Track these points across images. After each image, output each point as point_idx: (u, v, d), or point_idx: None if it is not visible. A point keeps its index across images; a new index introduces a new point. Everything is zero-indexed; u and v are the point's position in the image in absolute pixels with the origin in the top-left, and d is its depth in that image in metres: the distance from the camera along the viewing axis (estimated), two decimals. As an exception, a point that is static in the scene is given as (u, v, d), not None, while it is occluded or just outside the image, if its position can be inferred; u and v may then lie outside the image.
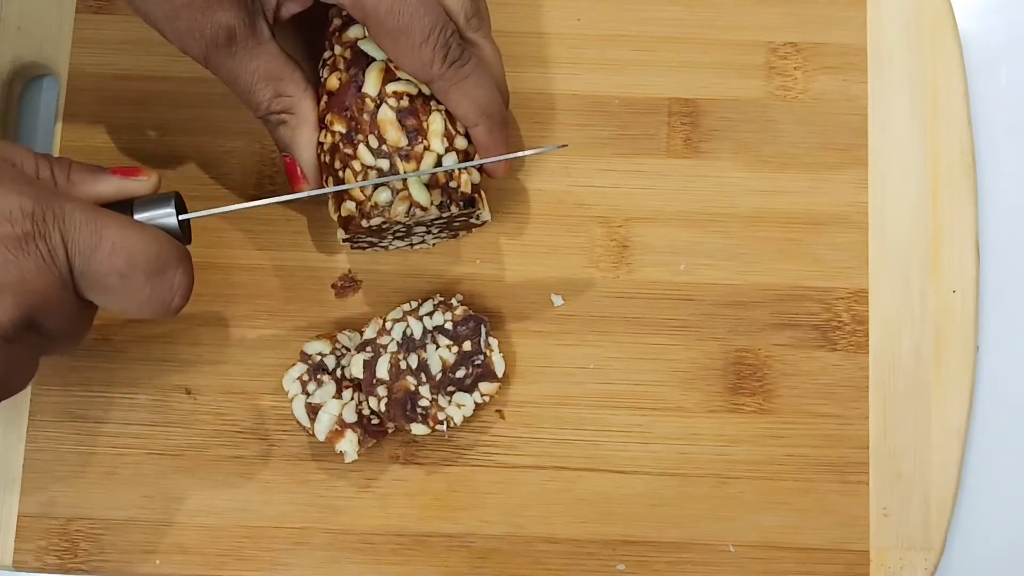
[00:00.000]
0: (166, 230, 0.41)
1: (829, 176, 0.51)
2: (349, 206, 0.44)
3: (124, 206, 0.41)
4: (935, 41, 0.52)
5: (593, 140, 0.51)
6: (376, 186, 0.43)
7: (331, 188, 0.44)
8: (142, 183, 0.42)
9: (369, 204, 0.43)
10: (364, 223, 0.43)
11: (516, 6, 0.52)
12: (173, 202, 0.42)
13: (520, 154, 0.45)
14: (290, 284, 0.50)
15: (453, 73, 0.42)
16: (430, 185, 0.43)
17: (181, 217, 0.42)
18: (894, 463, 0.48)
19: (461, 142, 0.44)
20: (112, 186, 0.41)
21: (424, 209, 0.43)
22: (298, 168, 0.45)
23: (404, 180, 0.43)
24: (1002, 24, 0.54)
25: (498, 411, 0.49)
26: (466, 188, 0.44)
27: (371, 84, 0.43)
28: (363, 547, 0.48)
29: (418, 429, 0.46)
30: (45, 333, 0.38)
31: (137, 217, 0.41)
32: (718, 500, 0.48)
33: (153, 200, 0.42)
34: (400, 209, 0.43)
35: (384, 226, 0.44)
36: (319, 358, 0.47)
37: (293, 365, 0.47)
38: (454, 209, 0.44)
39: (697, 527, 0.48)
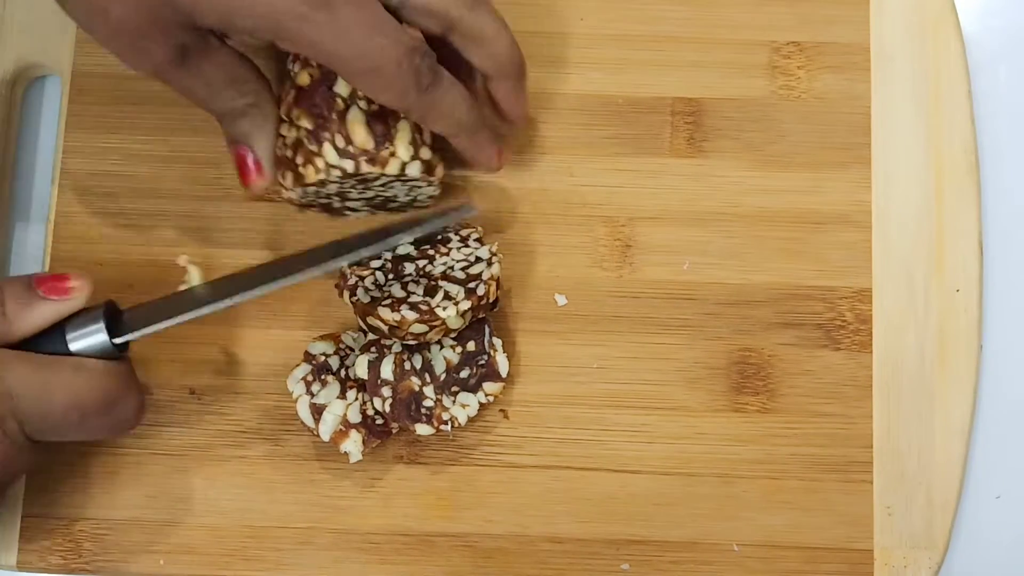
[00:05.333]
0: (103, 350, 0.41)
1: (832, 175, 0.51)
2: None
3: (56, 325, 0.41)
4: (938, 40, 0.52)
5: (596, 140, 0.51)
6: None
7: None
8: (74, 301, 0.41)
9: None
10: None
11: (520, 6, 0.51)
12: (104, 324, 0.41)
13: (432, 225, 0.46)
14: (293, 284, 0.49)
15: (427, 98, 0.42)
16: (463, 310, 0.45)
17: (116, 341, 0.41)
18: (898, 462, 0.48)
19: (426, 152, 0.45)
20: (47, 314, 0.40)
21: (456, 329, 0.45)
22: (250, 160, 0.45)
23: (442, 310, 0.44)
24: (1004, 24, 0.54)
25: (502, 411, 0.49)
26: (492, 296, 0.46)
27: (343, 84, 0.43)
28: (367, 547, 0.48)
29: (422, 429, 0.46)
30: None
31: (72, 344, 0.40)
32: (722, 499, 0.48)
33: (86, 319, 0.41)
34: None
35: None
36: (323, 358, 0.47)
37: (297, 366, 0.47)
38: (481, 313, 0.46)
39: (701, 526, 0.48)
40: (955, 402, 0.49)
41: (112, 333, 0.41)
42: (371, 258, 0.47)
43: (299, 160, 0.44)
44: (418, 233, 0.47)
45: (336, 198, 0.47)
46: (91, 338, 0.41)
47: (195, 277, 0.44)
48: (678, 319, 0.49)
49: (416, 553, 0.47)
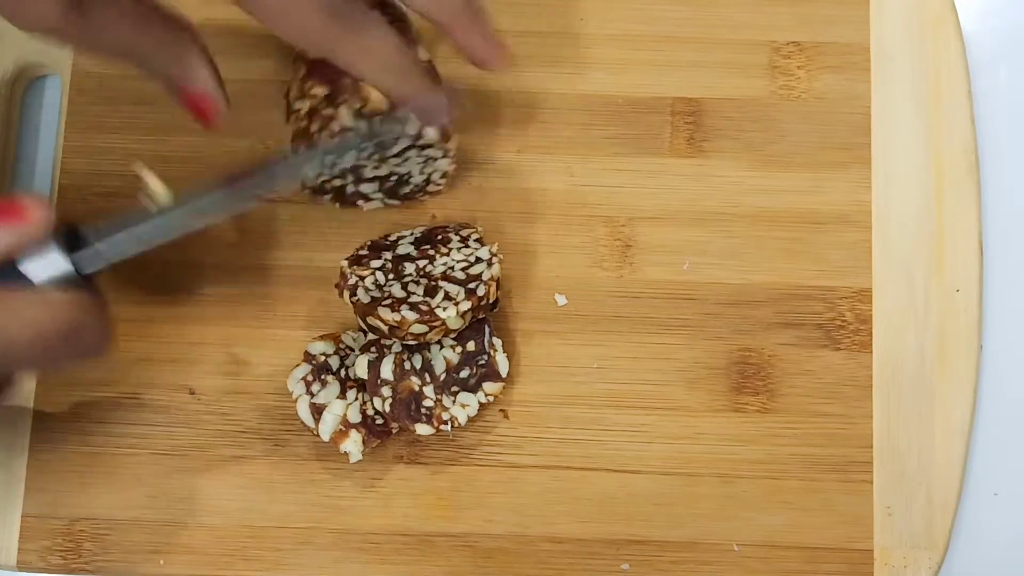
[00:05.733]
0: (64, 277, 0.38)
1: (832, 175, 0.51)
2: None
3: None
4: (938, 40, 0.52)
5: (596, 140, 0.51)
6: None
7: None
8: (31, 228, 0.37)
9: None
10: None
11: (520, 5, 0.52)
12: (61, 249, 0.37)
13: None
14: (293, 284, 0.50)
15: (346, 32, 0.38)
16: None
17: (85, 272, 0.38)
18: (898, 462, 0.48)
19: None
20: (1, 245, 0.36)
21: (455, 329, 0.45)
22: (199, 98, 0.41)
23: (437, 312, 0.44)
24: (1004, 24, 0.54)
25: (502, 411, 0.49)
26: (492, 296, 0.46)
27: None
28: (367, 547, 0.48)
29: (422, 429, 0.46)
30: None
31: (28, 273, 0.37)
32: (722, 499, 0.48)
33: (43, 245, 0.37)
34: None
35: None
36: (323, 358, 0.47)
37: (297, 366, 0.47)
38: (481, 313, 0.46)
39: (701, 526, 0.48)
40: (955, 402, 0.49)
41: (73, 256, 0.38)
42: (372, 256, 0.47)
43: (314, 127, 0.44)
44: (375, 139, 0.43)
45: (350, 176, 0.47)
46: (49, 265, 0.37)
47: (159, 192, 0.40)
48: (678, 319, 0.49)
49: (416, 553, 0.47)
